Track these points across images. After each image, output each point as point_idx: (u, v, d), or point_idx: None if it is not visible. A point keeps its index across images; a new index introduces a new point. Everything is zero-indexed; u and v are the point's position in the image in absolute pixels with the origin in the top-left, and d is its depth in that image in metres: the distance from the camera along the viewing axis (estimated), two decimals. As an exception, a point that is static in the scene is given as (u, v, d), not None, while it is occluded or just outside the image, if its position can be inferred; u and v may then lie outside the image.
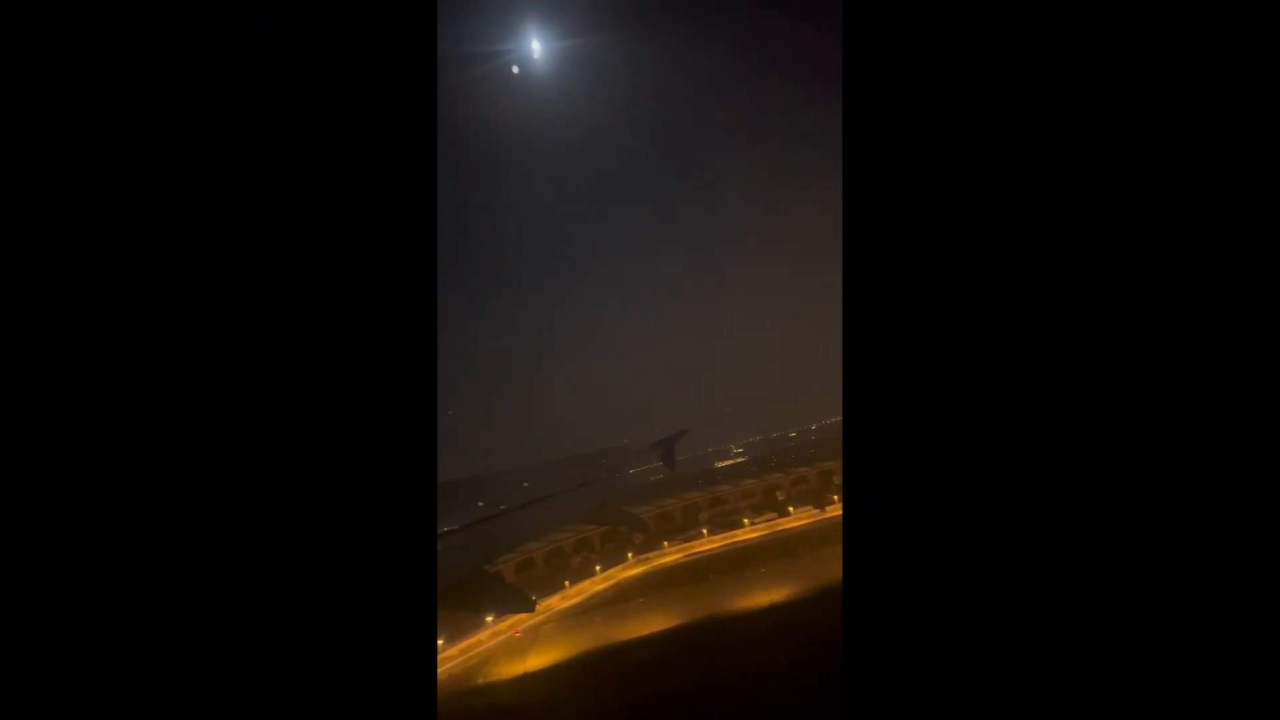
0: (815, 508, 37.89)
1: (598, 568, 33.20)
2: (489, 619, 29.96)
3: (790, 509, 37.83)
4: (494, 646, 26.99)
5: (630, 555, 34.33)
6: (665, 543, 35.63)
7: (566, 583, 32.11)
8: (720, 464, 74.81)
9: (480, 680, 23.45)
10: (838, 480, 41.46)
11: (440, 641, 28.13)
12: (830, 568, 26.59)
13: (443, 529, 3.76)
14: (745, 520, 37.09)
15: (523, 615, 27.21)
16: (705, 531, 36.74)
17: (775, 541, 33.41)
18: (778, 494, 41.39)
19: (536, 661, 23.45)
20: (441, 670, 25.90)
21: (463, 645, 27.44)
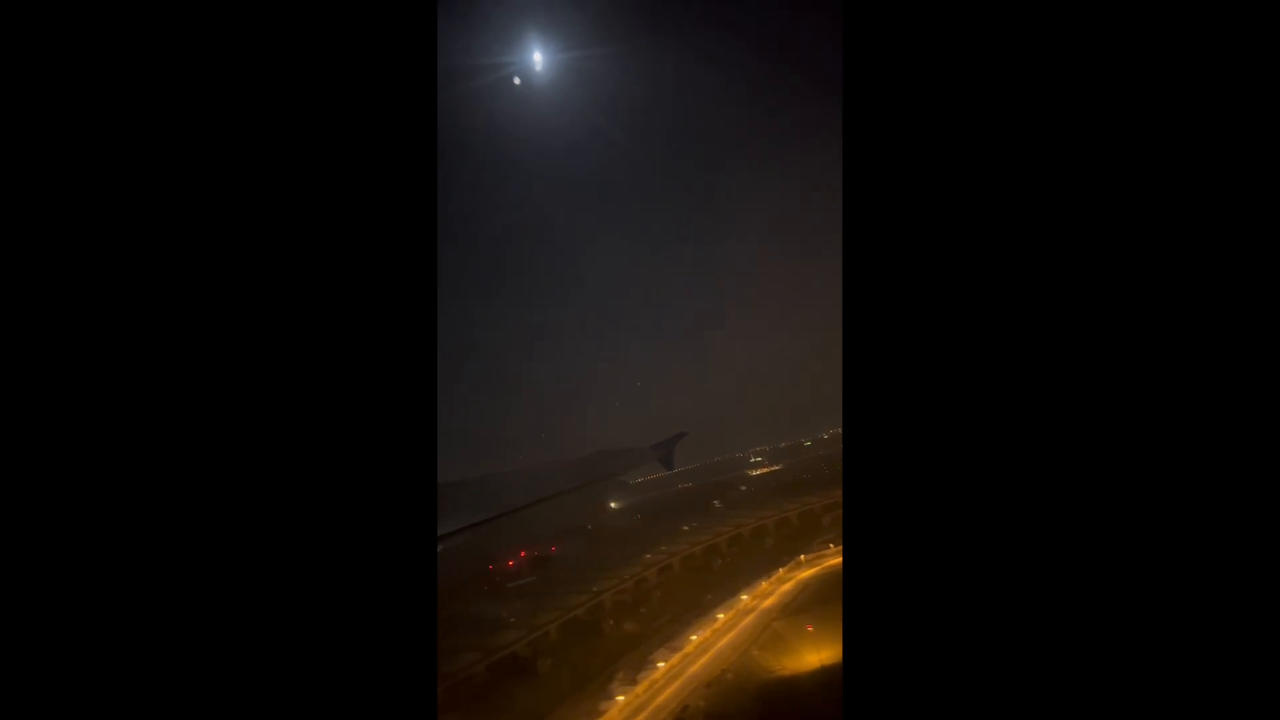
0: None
1: (780, 570, 33.64)
2: (719, 615, 29.67)
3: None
4: (733, 642, 26.89)
5: (802, 557, 34.99)
6: (831, 544, 36.63)
7: (763, 582, 32.33)
8: (754, 472, 75.66)
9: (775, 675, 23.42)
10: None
11: (694, 637, 27.92)
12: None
13: (442, 530, 3.98)
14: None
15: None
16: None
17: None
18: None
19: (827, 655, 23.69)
20: (705, 663, 25.54)
21: (697, 642, 27.09)
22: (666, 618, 31.25)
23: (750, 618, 29.27)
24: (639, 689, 23.75)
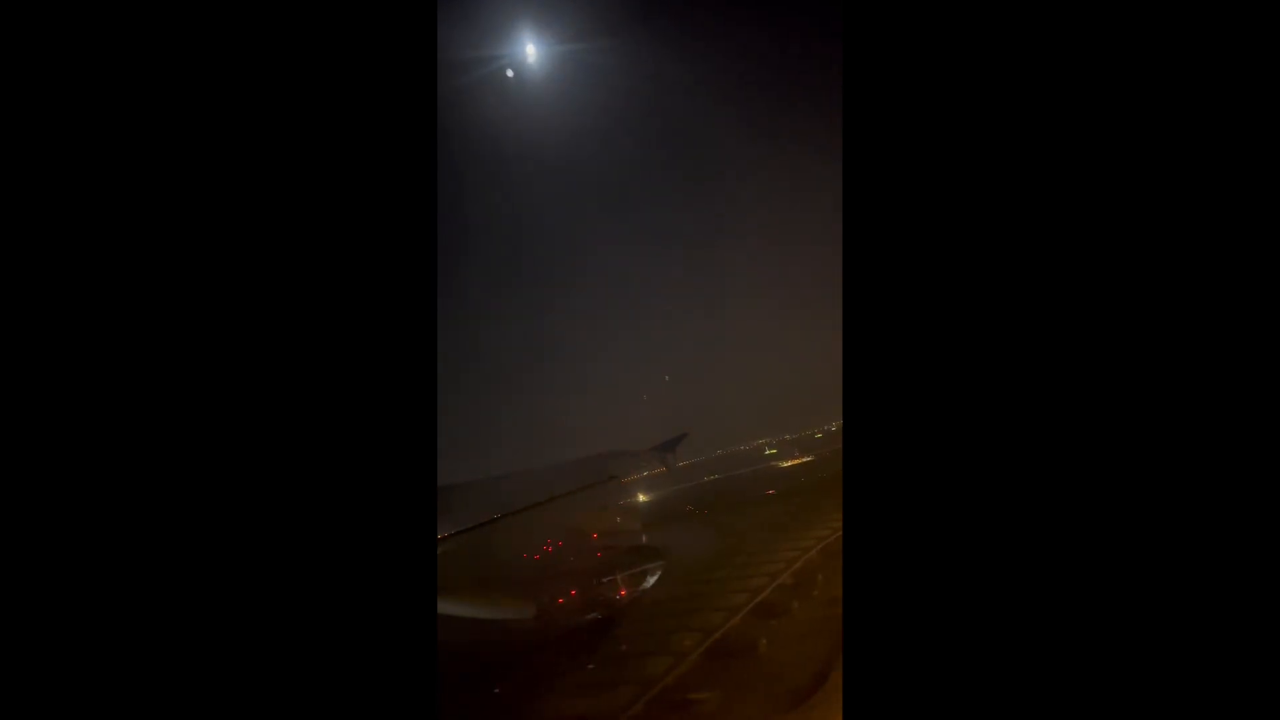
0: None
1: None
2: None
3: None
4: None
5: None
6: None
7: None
8: (784, 463, 74.33)
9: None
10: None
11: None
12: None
13: (444, 533, 4.21)
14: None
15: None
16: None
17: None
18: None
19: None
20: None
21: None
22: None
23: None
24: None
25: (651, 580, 31.41)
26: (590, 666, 16.61)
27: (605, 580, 32.30)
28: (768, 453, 78.39)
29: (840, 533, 36.83)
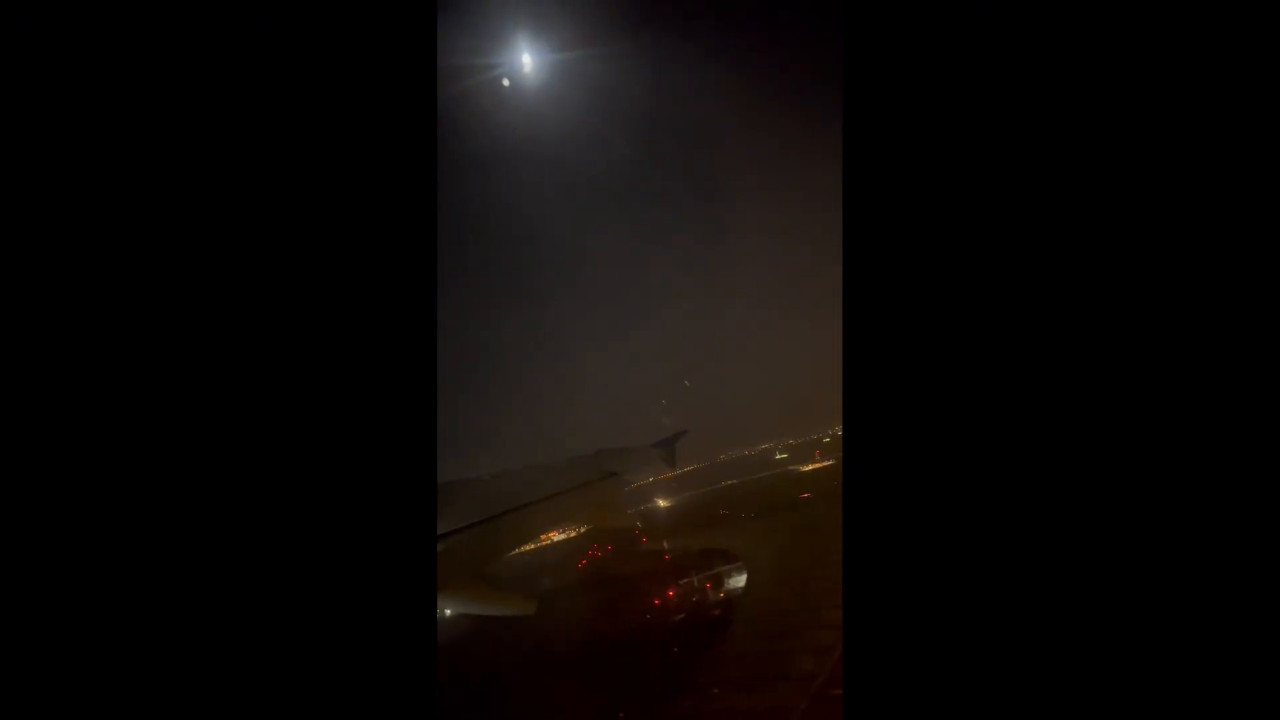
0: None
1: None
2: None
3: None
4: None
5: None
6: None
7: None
8: (805, 467, 72.23)
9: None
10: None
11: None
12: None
13: (442, 530, 3.99)
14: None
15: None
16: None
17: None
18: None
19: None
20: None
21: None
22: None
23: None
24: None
25: (736, 581, 28.51)
26: (732, 665, 14.98)
27: (683, 582, 29.18)
28: (778, 457, 76.37)
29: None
